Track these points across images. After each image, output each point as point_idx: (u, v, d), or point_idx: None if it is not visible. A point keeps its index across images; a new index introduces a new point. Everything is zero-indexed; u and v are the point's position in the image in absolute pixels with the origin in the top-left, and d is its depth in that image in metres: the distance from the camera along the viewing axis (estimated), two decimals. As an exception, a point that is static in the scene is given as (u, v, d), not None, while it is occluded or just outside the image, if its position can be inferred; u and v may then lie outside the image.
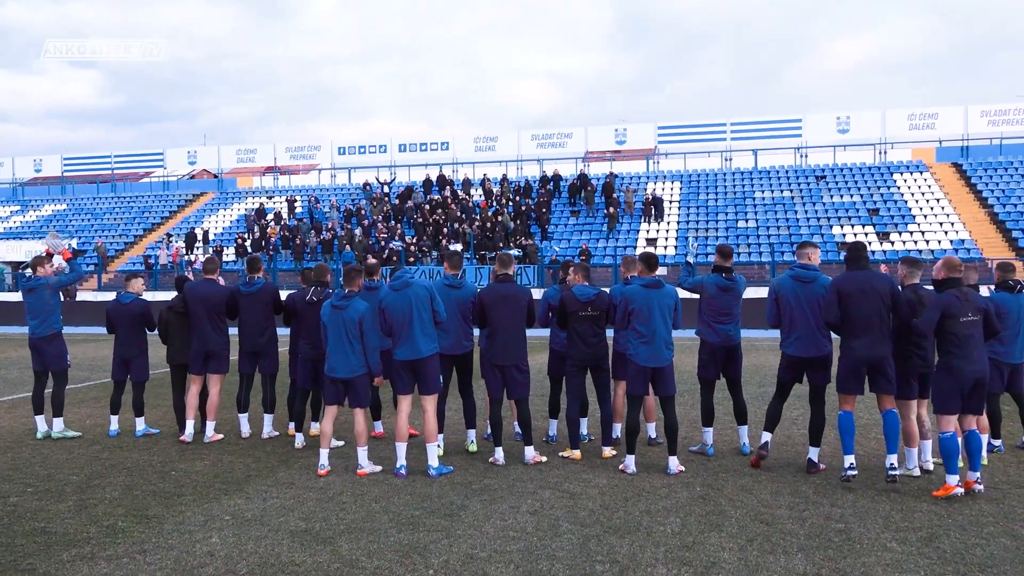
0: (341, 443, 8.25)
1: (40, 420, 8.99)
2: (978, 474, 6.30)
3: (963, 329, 6.27)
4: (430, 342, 7.14)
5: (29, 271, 9.21)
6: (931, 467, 7.02)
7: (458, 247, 30.18)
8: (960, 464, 6.41)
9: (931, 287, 6.89)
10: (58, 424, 8.98)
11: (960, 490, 6.16)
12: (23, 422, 9.84)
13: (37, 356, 9.03)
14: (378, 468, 7.26)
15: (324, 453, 7.28)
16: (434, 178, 38.84)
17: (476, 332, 7.78)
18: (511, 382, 7.51)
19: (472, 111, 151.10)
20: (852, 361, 6.63)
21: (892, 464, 6.46)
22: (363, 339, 7.18)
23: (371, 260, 8.23)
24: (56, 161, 48.00)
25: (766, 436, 7.28)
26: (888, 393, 6.66)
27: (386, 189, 38.72)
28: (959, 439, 6.34)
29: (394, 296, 7.11)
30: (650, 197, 34.43)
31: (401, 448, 7.13)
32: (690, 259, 8.35)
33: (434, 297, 7.17)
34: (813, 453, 7.11)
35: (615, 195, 34.57)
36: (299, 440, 8.31)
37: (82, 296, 30.48)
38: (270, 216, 38.37)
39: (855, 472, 6.53)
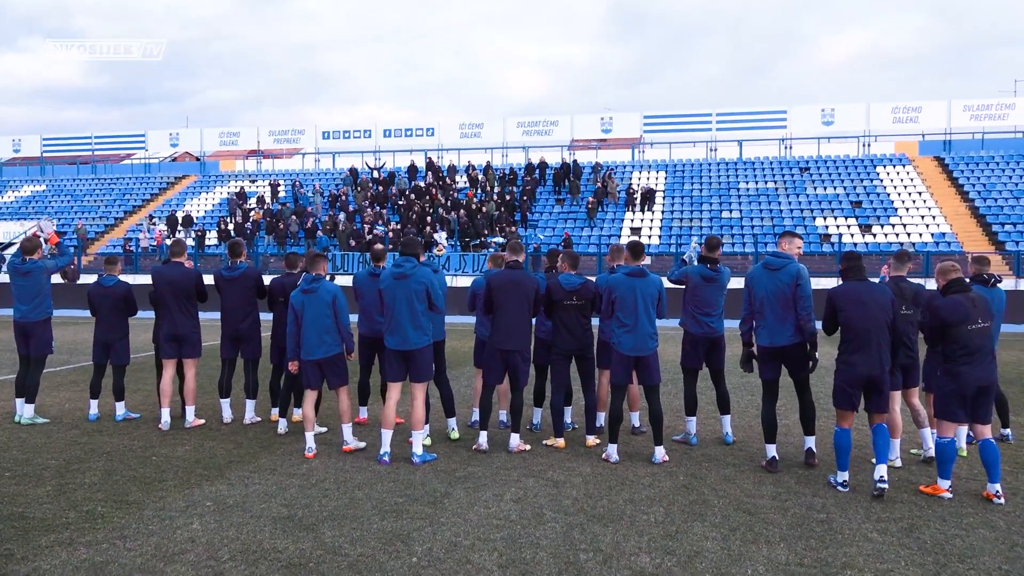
0: (324, 429, 8.21)
1: (21, 403, 8.86)
2: (997, 486, 6.01)
3: (969, 337, 6.01)
4: (421, 334, 7.08)
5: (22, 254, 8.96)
6: (899, 463, 6.96)
7: (443, 235, 30.07)
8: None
9: (924, 285, 6.87)
10: (28, 410, 8.78)
11: (948, 495, 6.08)
12: (1, 405, 9.71)
13: (25, 340, 8.88)
14: (362, 444, 7.34)
15: (310, 436, 7.38)
16: (420, 164, 38.63)
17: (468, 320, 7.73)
18: (514, 371, 7.48)
19: (464, 99, 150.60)
20: (849, 376, 6.27)
21: (881, 476, 6.15)
22: (337, 318, 7.34)
23: (378, 247, 8.19)
24: (35, 141, 47.14)
25: (771, 450, 6.93)
26: (882, 411, 6.38)
27: (375, 175, 38.48)
28: (959, 444, 6.20)
29: (392, 284, 7.08)
30: (638, 187, 34.42)
31: (386, 435, 7.10)
32: (685, 258, 8.30)
33: (432, 290, 7.12)
34: (810, 442, 7.05)
35: (599, 183, 34.55)
36: (282, 426, 8.27)
37: (60, 278, 30.06)
38: (253, 200, 38.04)
39: (847, 490, 6.29)
